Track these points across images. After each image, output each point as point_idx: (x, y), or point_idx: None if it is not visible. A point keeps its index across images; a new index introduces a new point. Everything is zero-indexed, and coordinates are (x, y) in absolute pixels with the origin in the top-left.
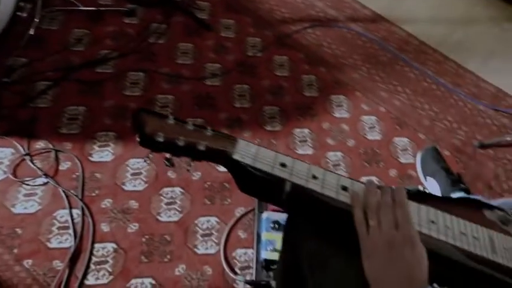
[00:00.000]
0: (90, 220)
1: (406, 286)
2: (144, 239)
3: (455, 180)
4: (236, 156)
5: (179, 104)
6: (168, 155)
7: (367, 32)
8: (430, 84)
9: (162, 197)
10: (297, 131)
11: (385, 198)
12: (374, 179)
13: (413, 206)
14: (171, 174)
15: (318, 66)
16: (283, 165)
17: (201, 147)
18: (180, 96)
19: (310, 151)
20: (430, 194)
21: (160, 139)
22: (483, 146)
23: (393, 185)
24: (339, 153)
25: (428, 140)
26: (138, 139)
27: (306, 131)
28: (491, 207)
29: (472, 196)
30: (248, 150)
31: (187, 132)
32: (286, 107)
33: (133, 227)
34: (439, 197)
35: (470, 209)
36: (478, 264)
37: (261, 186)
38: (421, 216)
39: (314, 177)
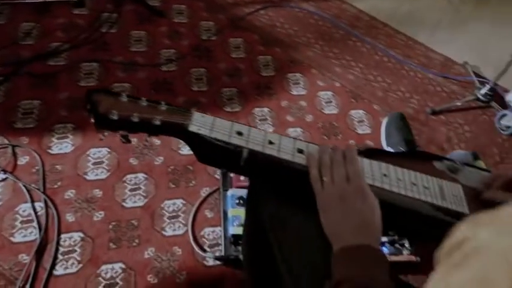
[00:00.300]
0: (54, 212)
1: (361, 234)
2: (111, 226)
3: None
4: (192, 128)
5: (136, 91)
6: (123, 132)
7: (319, 10)
8: (381, 57)
9: (125, 184)
10: (256, 110)
11: (337, 156)
12: None
13: (365, 162)
14: (133, 160)
15: (273, 47)
16: (239, 133)
17: (157, 122)
18: (136, 84)
19: (270, 129)
20: (382, 150)
21: (115, 117)
22: (435, 113)
23: None
24: (298, 129)
25: (382, 110)
26: (92, 120)
27: (266, 109)
28: (440, 158)
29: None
30: (204, 122)
31: (141, 108)
32: (244, 87)
33: (99, 215)
34: (390, 152)
35: (421, 161)
36: (429, 210)
37: (219, 155)
38: (373, 171)
39: (270, 142)
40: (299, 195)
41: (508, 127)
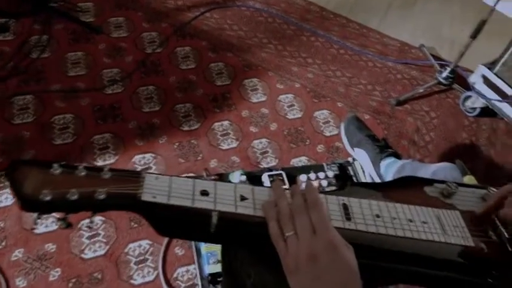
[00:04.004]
0: (1, 278)
1: None
2: (70, 284)
3: (382, 146)
4: (146, 197)
5: (81, 122)
6: (60, 215)
7: (267, 6)
8: (337, 49)
9: (81, 232)
10: (216, 125)
11: (297, 201)
12: (303, 159)
13: (354, 202)
14: None
15: (224, 52)
16: (204, 193)
17: (101, 196)
18: (79, 113)
19: (234, 144)
20: (366, 183)
21: (47, 198)
22: (399, 103)
23: (324, 160)
24: (264, 140)
25: (346, 106)
26: (18, 203)
27: (226, 123)
28: (430, 182)
29: (408, 175)
30: (159, 186)
31: (79, 181)
32: (199, 101)
33: (55, 274)
34: (377, 184)
35: (411, 189)
36: (430, 250)
37: (182, 225)
38: (364, 213)
39: (243, 198)
40: None
41: (474, 109)
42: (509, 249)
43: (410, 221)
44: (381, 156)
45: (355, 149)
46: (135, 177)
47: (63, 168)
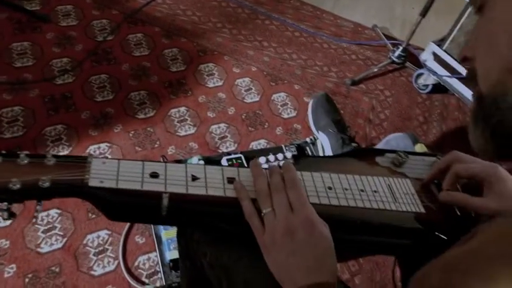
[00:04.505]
0: None
1: (316, 272)
2: (27, 279)
3: (345, 139)
4: (93, 183)
5: (31, 114)
6: (3, 205)
7: None
8: (292, 32)
9: (37, 226)
10: (173, 111)
11: (274, 180)
12: (263, 142)
13: (307, 176)
14: None
15: (178, 38)
16: (154, 175)
17: (45, 184)
18: (29, 105)
19: (192, 130)
20: (318, 157)
21: None
22: (354, 83)
23: (283, 142)
24: (222, 125)
25: (303, 89)
26: None
27: (183, 109)
28: (381, 152)
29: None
30: (107, 170)
31: (22, 169)
32: (154, 88)
33: (10, 270)
34: (328, 157)
35: (362, 160)
36: (381, 218)
37: (133, 209)
38: (317, 186)
39: (194, 178)
40: (239, 235)
41: (426, 86)
42: (458, 213)
43: (362, 191)
44: (342, 150)
45: (319, 132)
46: (81, 162)
47: (3, 157)
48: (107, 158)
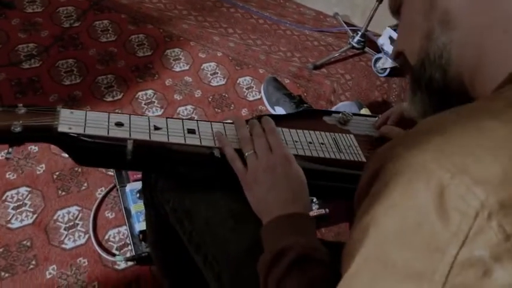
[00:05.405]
0: None
1: (293, 203)
2: None
3: (298, 102)
4: (62, 128)
5: None
6: None
7: None
8: (257, 19)
9: (7, 203)
10: (140, 94)
11: (256, 130)
12: (228, 122)
13: None
14: (10, 175)
15: (144, 24)
16: (119, 124)
17: (17, 129)
18: None
19: (159, 112)
20: (275, 115)
21: None
22: (316, 67)
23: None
24: (189, 107)
25: (267, 73)
26: None
27: (150, 92)
28: (329, 113)
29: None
30: (74, 118)
31: None
32: (121, 72)
33: None
34: (281, 115)
35: (312, 119)
36: (327, 166)
37: (100, 154)
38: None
39: (156, 128)
40: (198, 180)
41: (384, 69)
42: None
43: (310, 143)
44: (297, 111)
45: (275, 107)
46: (50, 111)
47: None
48: (74, 109)
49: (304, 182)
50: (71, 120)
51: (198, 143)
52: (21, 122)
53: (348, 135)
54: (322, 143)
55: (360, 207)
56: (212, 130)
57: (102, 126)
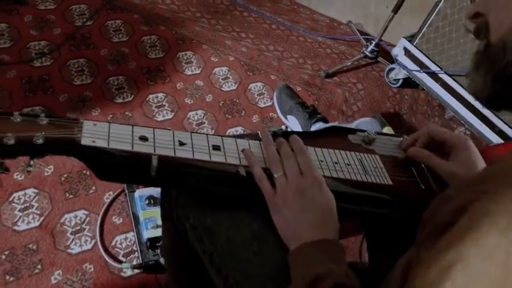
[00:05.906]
0: None
1: (323, 228)
2: (3, 256)
3: (311, 112)
4: (85, 141)
5: (7, 95)
6: None
7: None
8: (270, 25)
9: (14, 204)
10: (151, 97)
11: (285, 149)
12: (239, 129)
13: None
14: (18, 176)
15: (157, 25)
16: (143, 138)
17: (39, 141)
18: (6, 86)
19: (170, 115)
20: (300, 132)
21: None
22: (328, 76)
23: (258, 130)
24: (200, 111)
25: (279, 79)
26: None
27: (161, 95)
28: (353, 131)
29: (333, 124)
30: (98, 131)
31: (16, 126)
32: (133, 74)
33: None
34: (306, 133)
35: (336, 137)
36: (353, 188)
37: (123, 168)
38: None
39: (181, 143)
40: (222, 199)
41: (397, 80)
42: (422, 187)
43: (336, 163)
44: (311, 122)
45: (287, 116)
46: (73, 123)
47: None
48: (97, 121)
49: (334, 206)
50: (94, 133)
51: (223, 160)
52: (43, 133)
53: (373, 155)
54: (348, 164)
55: (430, 242)
56: (237, 147)
57: (126, 140)
